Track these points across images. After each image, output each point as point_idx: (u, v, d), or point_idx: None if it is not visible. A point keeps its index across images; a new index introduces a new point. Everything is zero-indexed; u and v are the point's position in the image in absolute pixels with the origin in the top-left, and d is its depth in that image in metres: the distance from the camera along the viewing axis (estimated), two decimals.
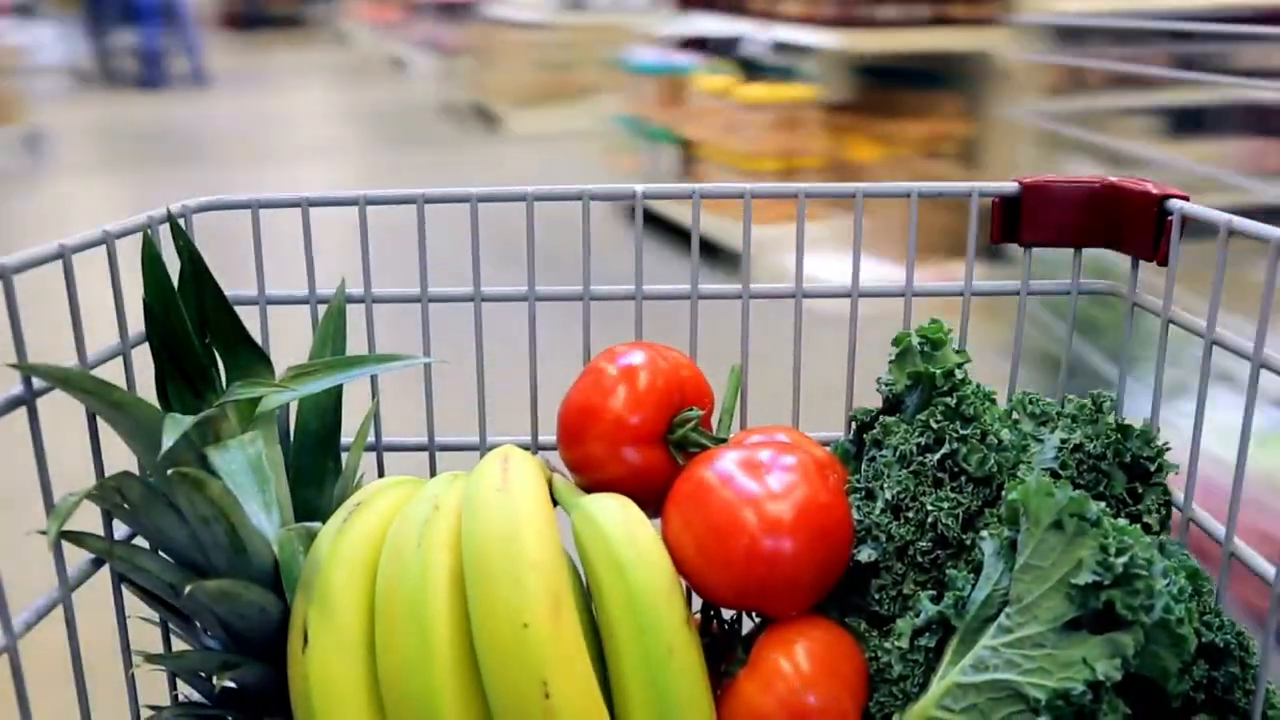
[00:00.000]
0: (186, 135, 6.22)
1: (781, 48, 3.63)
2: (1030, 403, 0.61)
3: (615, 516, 0.54)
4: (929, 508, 0.55)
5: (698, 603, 0.60)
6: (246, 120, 6.75)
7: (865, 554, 0.56)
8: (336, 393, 0.61)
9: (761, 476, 0.54)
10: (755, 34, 3.59)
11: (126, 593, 0.56)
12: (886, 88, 3.60)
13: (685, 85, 4.02)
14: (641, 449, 0.58)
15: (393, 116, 6.79)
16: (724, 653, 0.57)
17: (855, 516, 0.56)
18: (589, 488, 0.59)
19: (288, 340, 0.72)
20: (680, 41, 4.34)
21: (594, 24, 6.37)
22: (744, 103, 3.51)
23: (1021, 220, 0.65)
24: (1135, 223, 0.61)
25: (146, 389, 0.55)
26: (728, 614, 0.59)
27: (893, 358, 0.63)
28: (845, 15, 3.18)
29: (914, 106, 3.45)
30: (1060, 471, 0.56)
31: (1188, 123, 2.65)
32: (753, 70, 3.79)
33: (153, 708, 0.56)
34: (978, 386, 0.59)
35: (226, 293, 0.58)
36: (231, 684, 0.55)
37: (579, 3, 6.47)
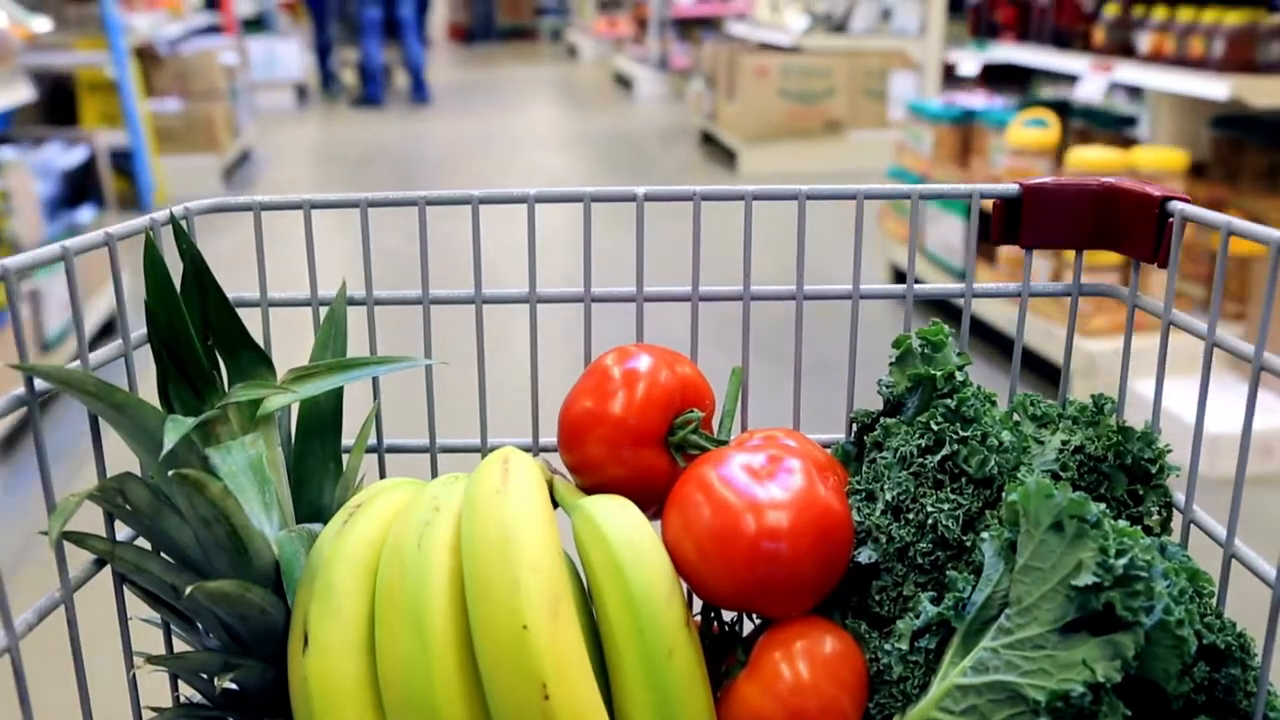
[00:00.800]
0: (402, 158, 5.95)
1: (1119, 90, 2.94)
2: (1031, 404, 0.61)
3: (615, 518, 0.54)
4: (929, 509, 0.55)
5: (698, 604, 0.60)
6: (465, 142, 6.40)
7: (866, 555, 0.56)
8: (337, 394, 0.61)
9: (762, 478, 0.54)
10: (1091, 74, 2.73)
11: (128, 594, 0.56)
12: (1265, 149, 2.69)
13: (984, 137, 3.15)
14: (642, 451, 0.58)
15: (618, 144, 6.30)
16: (724, 654, 0.57)
17: (856, 518, 0.56)
18: (589, 489, 0.59)
19: (290, 342, 0.72)
20: (970, 77, 3.50)
21: (853, 48, 5.37)
22: (1079, 169, 2.58)
23: (1022, 223, 0.65)
24: (1136, 225, 0.61)
25: (148, 391, 0.55)
26: (728, 615, 0.59)
27: (893, 360, 0.63)
28: (1242, 57, 2.30)
29: None
30: (1061, 473, 0.56)
31: None
32: (1068, 117, 3.04)
33: (154, 709, 0.56)
34: (978, 388, 0.59)
35: (228, 295, 0.58)
36: (233, 685, 0.56)
37: (839, 23, 5.46)
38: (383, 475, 0.67)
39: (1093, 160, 2.60)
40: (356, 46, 8.33)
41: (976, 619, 0.50)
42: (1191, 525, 0.60)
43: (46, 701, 0.53)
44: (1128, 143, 2.97)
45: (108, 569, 0.55)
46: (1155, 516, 0.57)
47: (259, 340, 0.60)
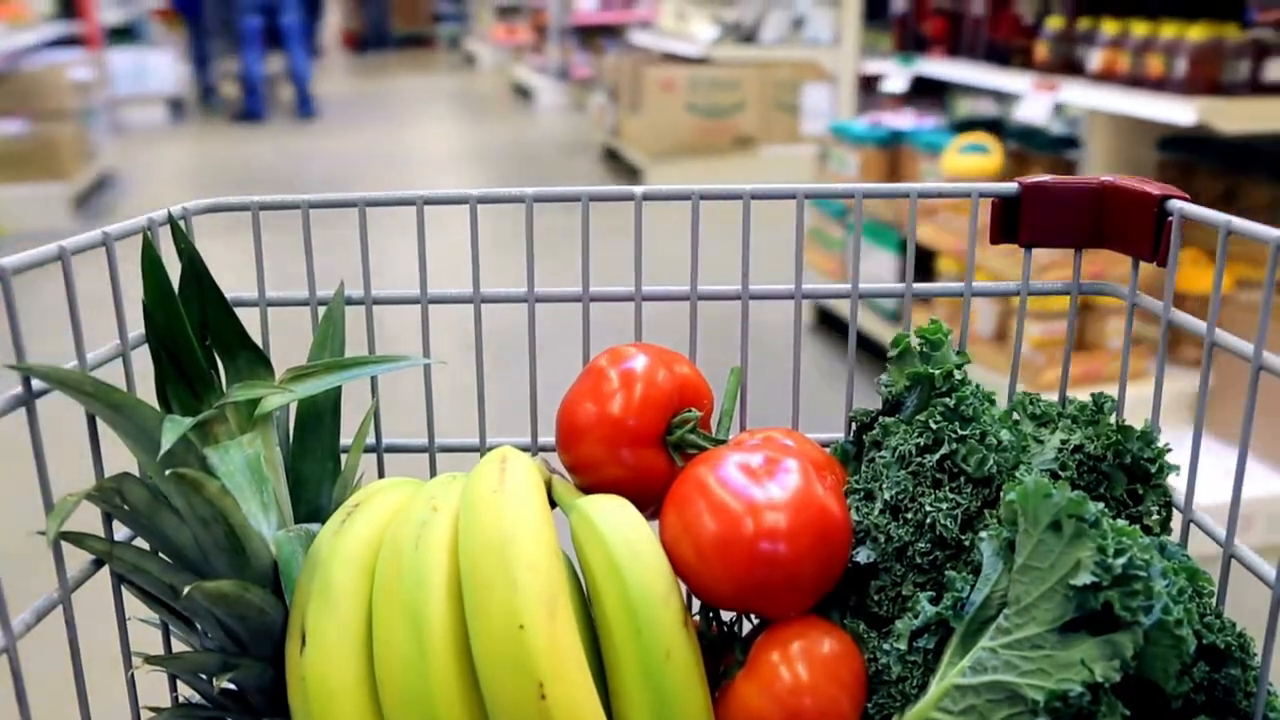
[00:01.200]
0: (285, 180, 5.41)
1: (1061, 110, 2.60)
2: (1030, 403, 0.61)
3: (613, 518, 0.54)
4: (928, 509, 0.55)
5: (697, 605, 0.60)
6: (354, 161, 5.93)
7: (864, 555, 0.55)
8: (336, 394, 0.61)
9: (760, 478, 0.54)
10: (1034, 94, 2.46)
11: (126, 594, 0.56)
12: (1219, 172, 2.47)
13: (914, 161, 2.92)
14: (640, 450, 0.58)
15: (517, 161, 5.93)
16: (722, 655, 0.57)
17: (854, 517, 0.56)
18: (588, 489, 0.59)
19: (289, 342, 0.72)
20: (896, 94, 3.17)
21: (764, 59, 5.04)
22: None
23: (1021, 221, 0.65)
24: (1135, 223, 0.61)
25: (146, 391, 0.55)
26: (727, 615, 0.59)
27: (892, 358, 0.63)
28: (1207, 76, 2.01)
29: (1268, 205, 2.37)
30: (1060, 473, 0.56)
31: None
32: (1003, 138, 2.80)
33: (153, 709, 0.56)
34: (977, 387, 0.59)
35: (226, 294, 0.58)
36: (231, 685, 0.56)
37: (748, 33, 5.12)
38: (381, 475, 0.67)
39: None
40: (237, 57, 7.65)
41: (975, 619, 0.50)
42: (1191, 525, 0.60)
43: (44, 702, 0.53)
44: (1068, 167, 2.80)
45: (106, 569, 0.55)
46: (1155, 516, 0.57)
47: (257, 340, 0.60)
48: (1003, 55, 2.76)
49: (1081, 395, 0.61)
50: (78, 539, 0.52)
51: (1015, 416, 0.61)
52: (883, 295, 0.68)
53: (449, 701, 0.49)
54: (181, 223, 0.62)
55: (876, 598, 0.55)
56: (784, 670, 0.53)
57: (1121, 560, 0.46)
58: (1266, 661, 0.52)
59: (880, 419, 0.61)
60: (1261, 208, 2.43)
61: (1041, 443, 0.58)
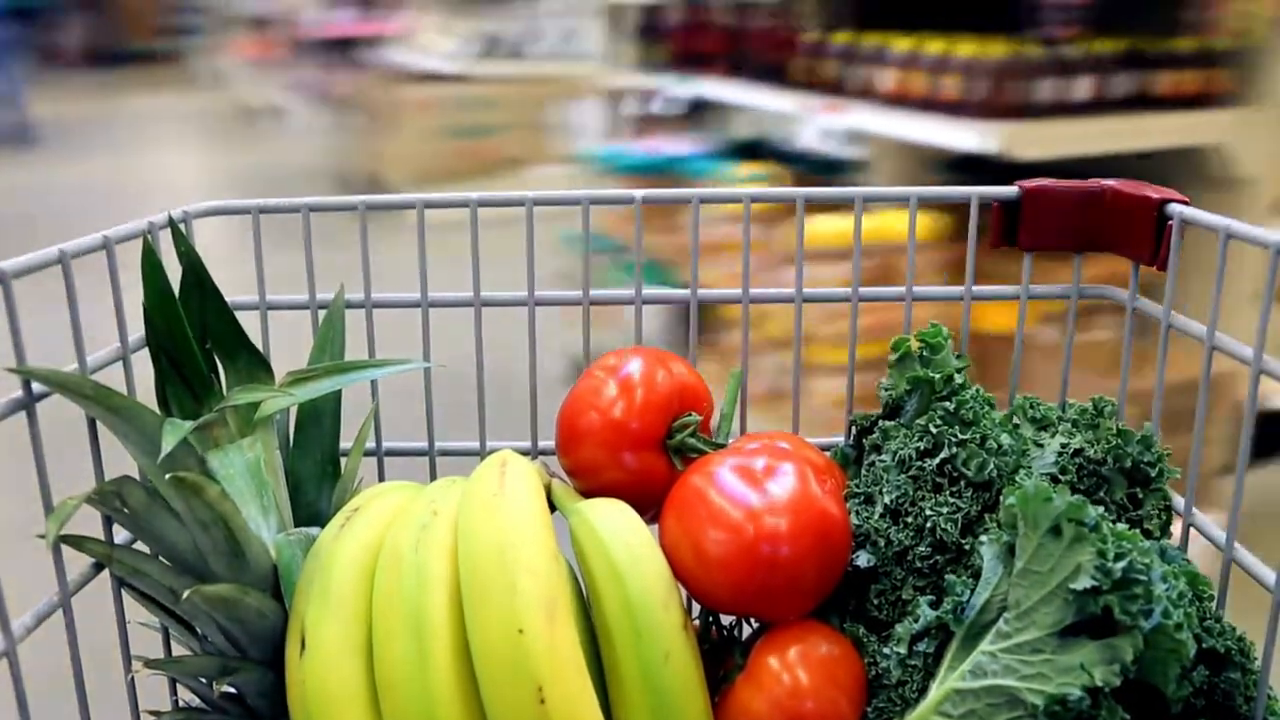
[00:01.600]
0: None
1: (854, 136, 2.44)
2: (1030, 407, 0.61)
3: (613, 522, 0.54)
4: (928, 513, 0.55)
5: (696, 608, 0.60)
6: (70, 198, 5.10)
7: (864, 559, 0.55)
8: (336, 397, 0.61)
9: (759, 482, 0.54)
10: (819, 117, 2.26)
11: (126, 597, 0.56)
12: None
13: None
14: (640, 454, 0.58)
15: (266, 191, 4.86)
16: (722, 658, 0.57)
17: (854, 521, 0.56)
18: (587, 493, 0.59)
19: (288, 345, 0.72)
20: (665, 116, 2.89)
21: (527, 75, 4.81)
22: (822, 244, 1.94)
23: (1021, 225, 0.65)
24: (1135, 227, 0.61)
25: (146, 393, 0.55)
26: (726, 619, 0.59)
27: (892, 362, 0.63)
28: (1007, 99, 1.82)
29: None
30: (1060, 477, 0.56)
31: None
32: (780, 163, 2.58)
33: (153, 713, 0.56)
34: (977, 391, 0.59)
35: (227, 298, 0.58)
36: (231, 689, 0.56)
37: (505, 48, 4.88)
38: (381, 478, 0.67)
39: (833, 232, 1.92)
40: None
41: (975, 623, 0.50)
42: (1191, 529, 0.60)
43: (45, 705, 0.53)
44: None
45: (106, 572, 0.55)
46: (1155, 520, 0.57)
47: (257, 343, 0.60)
48: (780, 75, 2.47)
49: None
50: (77, 542, 0.52)
51: (1015, 420, 0.61)
52: (882, 299, 0.68)
53: (449, 705, 0.49)
54: (181, 226, 0.62)
55: (876, 602, 0.55)
56: (784, 674, 0.53)
57: (1121, 564, 0.46)
58: (1266, 665, 0.52)
59: (880, 423, 0.61)
60: None
61: (1041, 446, 0.58)
